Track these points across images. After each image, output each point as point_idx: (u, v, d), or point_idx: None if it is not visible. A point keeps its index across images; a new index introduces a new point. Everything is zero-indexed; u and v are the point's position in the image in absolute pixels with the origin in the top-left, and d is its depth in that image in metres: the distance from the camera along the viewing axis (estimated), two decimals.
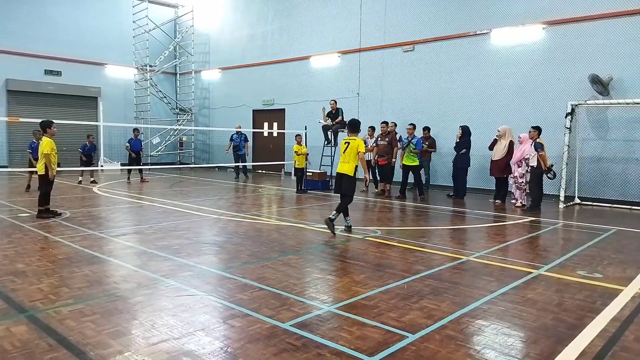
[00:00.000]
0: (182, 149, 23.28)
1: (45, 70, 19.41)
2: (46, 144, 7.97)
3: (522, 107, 12.26)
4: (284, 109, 18.81)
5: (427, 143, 12.54)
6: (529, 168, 10.35)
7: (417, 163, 11.82)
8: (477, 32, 13.13)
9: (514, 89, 12.47)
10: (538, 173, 9.93)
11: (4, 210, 8.77)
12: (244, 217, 8.52)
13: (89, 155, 14.24)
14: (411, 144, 11.77)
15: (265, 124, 19.81)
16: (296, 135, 13.25)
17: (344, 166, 7.31)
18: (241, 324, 3.63)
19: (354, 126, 7.58)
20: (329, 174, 13.89)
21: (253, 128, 19.59)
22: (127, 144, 15.04)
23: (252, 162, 18.47)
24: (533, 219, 9.01)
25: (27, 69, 18.84)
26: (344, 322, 3.69)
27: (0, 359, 2.98)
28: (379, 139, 12.43)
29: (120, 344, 3.24)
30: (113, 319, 3.67)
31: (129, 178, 15.07)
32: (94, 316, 3.72)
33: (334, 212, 7.29)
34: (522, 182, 10.50)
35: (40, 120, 8.41)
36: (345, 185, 7.32)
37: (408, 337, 3.42)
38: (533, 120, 11.67)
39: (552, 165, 9.94)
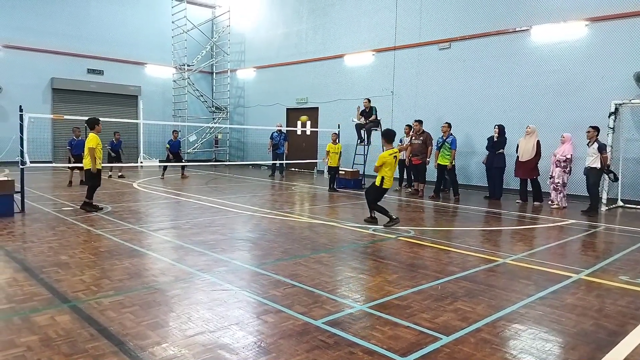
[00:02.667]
0: (217, 147, 23.69)
1: (88, 69, 20.16)
2: (92, 139, 8.29)
3: (563, 107, 11.87)
4: (318, 108, 18.87)
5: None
6: (568, 169, 10.15)
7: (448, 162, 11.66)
8: (517, 29, 12.79)
9: (554, 88, 12.08)
10: (599, 175, 9.62)
11: (48, 204, 9.16)
12: (277, 215, 8.60)
13: (116, 151, 14.66)
14: (446, 143, 11.61)
15: (299, 123, 19.89)
16: (333, 134, 13.40)
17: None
18: (274, 319, 3.68)
19: (388, 136, 8.02)
20: (361, 172, 13.85)
21: (287, 126, 19.72)
22: (167, 145, 15.43)
23: (285, 160, 18.59)
24: (573, 221, 8.73)
25: (71, 68, 19.62)
26: (376, 322, 3.68)
27: (45, 346, 3.11)
28: (413, 137, 12.29)
29: (158, 335, 3.34)
30: (151, 311, 3.78)
31: (163, 175, 15.45)
32: (133, 308, 3.84)
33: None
34: (559, 182, 10.22)
35: (86, 118, 8.73)
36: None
37: (442, 338, 3.38)
38: (575, 120, 11.33)
39: (609, 167, 9.65)
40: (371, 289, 4.50)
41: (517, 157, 11.05)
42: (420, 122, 12.32)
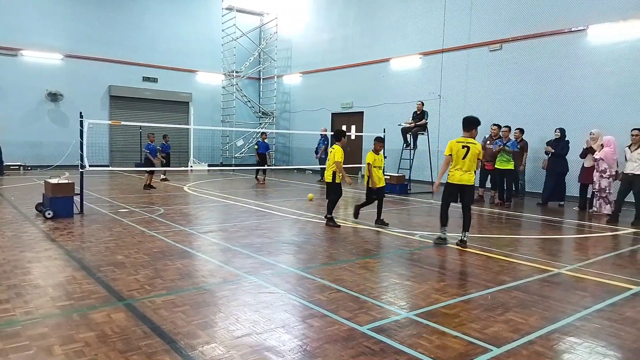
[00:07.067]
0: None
1: (143, 77, 21.05)
2: (338, 151, 7.96)
3: (625, 110, 11.24)
4: (363, 112, 18.82)
5: (519, 146, 11.83)
6: (611, 178, 9.86)
7: (511, 166, 11.15)
8: (573, 29, 12.27)
9: (614, 90, 11.48)
10: None
11: (105, 206, 9.61)
12: (322, 219, 8.63)
13: (167, 154, 15.10)
14: (506, 146, 11.13)
15: (344, 127, 19.90)
16: (376, 140, 8.42)
17: (470, 175, 6.50)
18: (320, 324, 3.69)
19: (470, 123, 6.61)
20: (407, 177, 13.65)
21: (331, 131, 19.76)
22: (256, 146, 16.03)
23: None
24: (635, 230, 8.24)
25: (127, 76, 20.55)
26: (423, 330, 3.61)
27: (102, 342, 3.26)
28: (488, 142, 12.02)
29: (207, 335, 3.43)
30: (201, 311, 3.89)
31: (256, 177, 16.08)
32: (184, 307, 3.96)
33: (464, 232, 6.56)
34: (597, 188, 9.98)
35: (140, 124, 9.05)
36: (471, 196, 6.73)
37: (492, 350, 3.28)
38: (636, 124, 10.70)
39: None
40: (418, 297, 4.43)
41: (583, 163, 10.66)
42: (498, 126, 12.03)
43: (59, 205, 8.09)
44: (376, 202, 8.22)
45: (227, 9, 22.36)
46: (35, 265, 5.17)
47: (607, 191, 9.91)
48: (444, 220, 6.63)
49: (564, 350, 3.34)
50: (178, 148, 21.48)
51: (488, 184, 12.09)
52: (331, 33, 20.25)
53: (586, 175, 10.52)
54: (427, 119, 13.48)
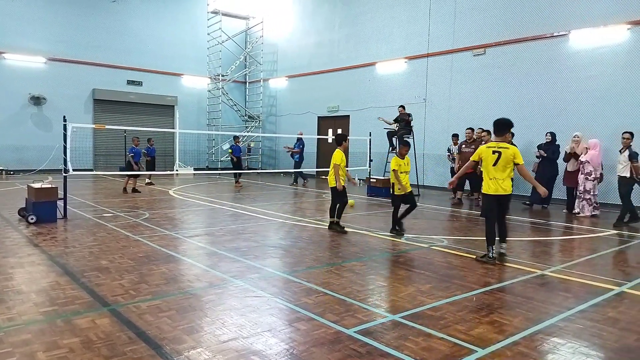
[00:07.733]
0: (250, 155, 24.02)
1: (127, 80, 20.86)
2: (337, 155, 7.89)
3: (606, 113, 11.47)
4: (349, 116, 18.89)
5: None
6: (596, 180, 10.07)
7: None
8: (555, 34, 12.49)
9: (596, 94, 11.70)
10: (630, 184, 9.23)
11: (89, 211, 9.49)
12: (309, 222, 8.63)
13: (152, 157, 15.03)
14: None
15: (330, 131, 19.97)
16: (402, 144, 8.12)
17: (506, 183, 5.93)
18: (306, 327, 3.69)
19: (503, 126, 6.18)
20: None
21: (317, 134, 19.83)
22: (230, 150, 15.81)
23: (317, 168, 18.67)
24: (616, 232, 8.40)
25: (111, 80, 20.33)
26: (409, 332, 3.64)
27: (86, 348, 3.22)
28: (464, 146, 12.09)
29: (193, 339, 3.40)
30: (187, 316, 3.86)
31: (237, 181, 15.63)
32: (169, 312, 3.93)
33: (502, 244, 6.04)
34: (582, 190, 10.17)
35: (125, 128, 8.98)
36: (508, 205, 6.15)
37: (477, 351, 3.31)
38: (618, 127, 10.92)
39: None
40: (404, 299, 4.46)
41: (566, 166, 10.87)
42: (472, 129, 12.14)
43: (42, 210, 7.97)
44: (404, 207, 7.77)
45: (212, 12, 22.30)
46: (18, 270, 5.08)
47: (592, 193, 10.09)
48: (492, 239, 5.88)
49: (548, 351, 3.39)
50: (163, 152, 21.31)
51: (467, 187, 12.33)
52: (317, 37, 20.31)
53: (570, 179, 10.71)
54: (411, 118, 13.56)
